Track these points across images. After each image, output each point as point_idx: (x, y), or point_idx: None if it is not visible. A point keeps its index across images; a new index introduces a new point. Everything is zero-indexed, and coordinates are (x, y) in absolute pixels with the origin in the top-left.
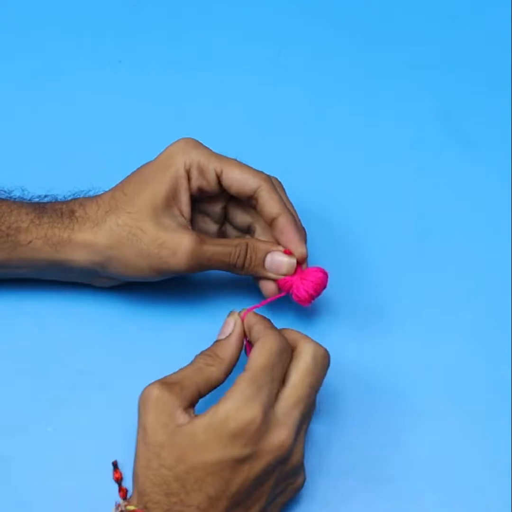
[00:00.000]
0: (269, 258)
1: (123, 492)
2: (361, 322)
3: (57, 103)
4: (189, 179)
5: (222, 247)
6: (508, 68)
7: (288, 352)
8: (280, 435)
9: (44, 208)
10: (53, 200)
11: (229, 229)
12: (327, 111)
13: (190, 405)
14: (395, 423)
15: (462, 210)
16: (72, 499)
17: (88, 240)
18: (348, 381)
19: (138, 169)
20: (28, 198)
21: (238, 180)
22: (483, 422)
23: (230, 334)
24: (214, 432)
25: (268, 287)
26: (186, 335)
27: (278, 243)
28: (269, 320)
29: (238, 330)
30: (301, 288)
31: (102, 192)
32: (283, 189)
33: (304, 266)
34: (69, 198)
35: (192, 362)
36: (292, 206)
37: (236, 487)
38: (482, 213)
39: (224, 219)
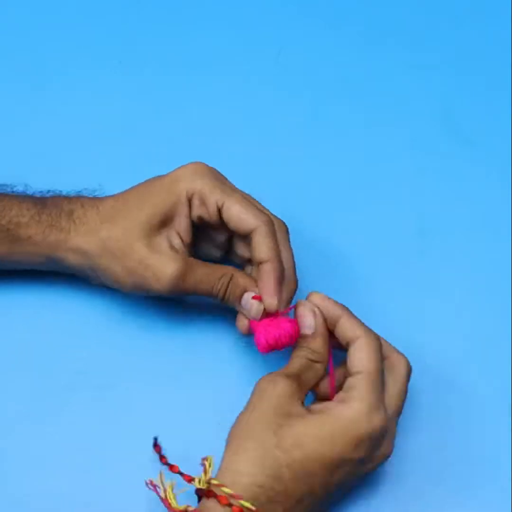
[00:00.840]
0: (245, 296)
1: (165, 459)
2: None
3: (57, 103)
4: (190, 206)
5: (207, 277)
6: (508, 68)
7: (382, 352)
8: (389, 445)
9: (45, 204)
10: (56, 195)
11: (234, 257)
12: (327, 111)
13: (303, 400)
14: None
15: (462, 210)
16: (72, 499)
17: (81, 246)
18: None
19: (144, 182)
20: (31, 192)
21: (236, 217)
22: (483, 422)
23: (317, 328)
24: (340, 431)
25: (240, 323)
26: (186, 336)
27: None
28: (351, 313)
29: (321, 321)
30: (262, 335)
31: (106, 196)
32: (287, 233)
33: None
34: (72, 195)
35: (296, 358)
36: (291, 253)
37: (336, 483)
38: (482, 213)
39: (229, 246)
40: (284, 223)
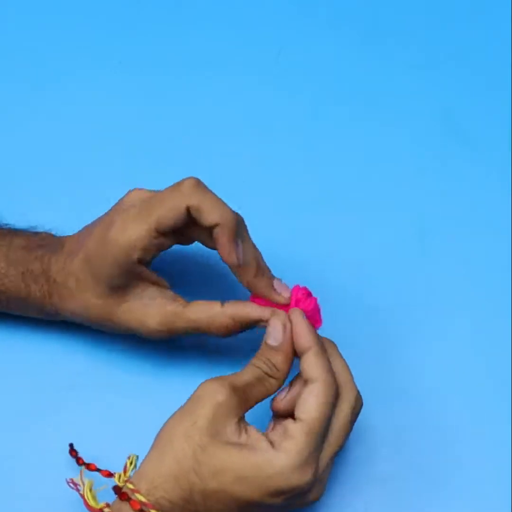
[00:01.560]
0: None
1: (81, 460)
2: (361, 321)
3: (57, 103)
4: (143, 258)
5: (198, 323)
6: (508, 68)
7: (336, 400)
8: (317, 492)
9: (22, 271)
10: (22, 251)
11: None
12: (326, 111)
13: (244, 415)
14: (395, 423)
15: (462, 210)
16: (72, 499)
17: (69, 311)
18: None
19: (101, 232)
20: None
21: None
22: (483, 422)
23: (282, 343)
24: (260, 478)
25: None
26: (187, 336)
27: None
28: (324, 349)
29: (288, 338)
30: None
31: (64, 242)
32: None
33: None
34: (34, 242)
35: (251, 367)
36: (252, 243)
37: None
38: (482, 213)
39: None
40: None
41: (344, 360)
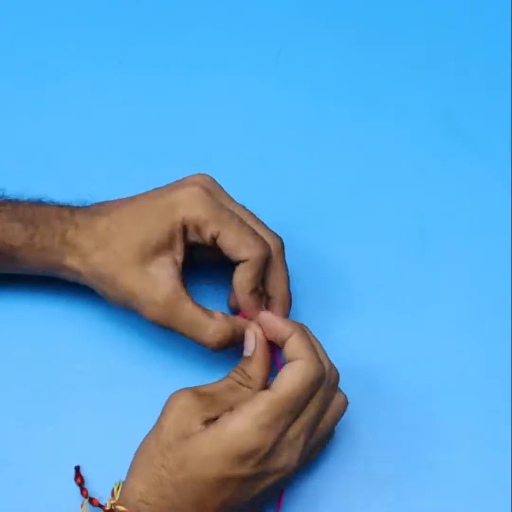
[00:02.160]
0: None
1: (85, 492)
2: (361, 321)
3: (57, 103)
4: (185, 232)
5: (197, 323)
6: (508, 68)
7: (321, 383)
8: (285, 459)
9: (38, 227)
10: (47, 207)
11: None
12: (327, 111)
13: (214, 420)
14: (395, 423)
15: (462, 210)
16: (72, 499)
17: (75, 269)
18: (348, 381)
19: (141, 200)
20: (22, 198)
21: (230, 247)
22: (483, 422)
23: (255, 352)
24: (219, 449)
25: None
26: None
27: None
28: (307, 333)
29: (261, 347)
30: None
31: (100, 205)
32: (281, 252)
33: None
34: (65, 207)
35: (225, 378)
36: (284, 273)
37: (233, 502)
38: (482, 213)
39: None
40: (280, 240)
41: (308, 340)
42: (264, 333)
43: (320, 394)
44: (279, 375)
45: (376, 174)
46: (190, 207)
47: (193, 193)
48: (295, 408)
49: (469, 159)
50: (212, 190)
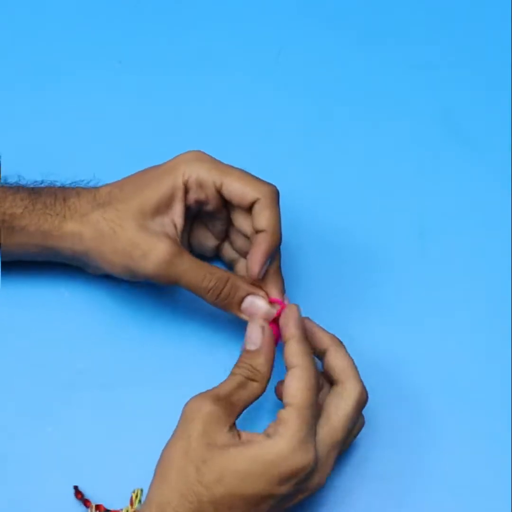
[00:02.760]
0: (249, 299)
1: (89, 502)
2: (361, 321)
3: (56, 103)
4: (186, 190)
5: (197, 269)
6: (508, 68)
7: (319, 383)
8: (320, 478)
9: (40, 193)
10: (51, 185)
11: (228, 249)
12: (327, 111)
13: (235, 422)
14: (395, 422)
15: (462, 210)
16: (72, 499)
17: (75, 230)
18: None
19: (142, 170)
20: (25, 183)
21: (238, 192)
22: (483, 421)
23: (262, 346)
24: (263, 468)
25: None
26: (187, 336)
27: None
28: (304, 336)
29: (268, 340)
30: None
31: (103, 184)
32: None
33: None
34: (68, 185)
35: (232, 376)
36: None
37: None
38: (482, 213)
39: (225, 236)
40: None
41: (350, 357)
42: (270, 327)
43: (349, 418)
44: (286, 387)
45: (376, 174)
46: (190, 163)
47: (192, 154)
48: (315, 413)
49: (469, 159)
50: (210, 157)
